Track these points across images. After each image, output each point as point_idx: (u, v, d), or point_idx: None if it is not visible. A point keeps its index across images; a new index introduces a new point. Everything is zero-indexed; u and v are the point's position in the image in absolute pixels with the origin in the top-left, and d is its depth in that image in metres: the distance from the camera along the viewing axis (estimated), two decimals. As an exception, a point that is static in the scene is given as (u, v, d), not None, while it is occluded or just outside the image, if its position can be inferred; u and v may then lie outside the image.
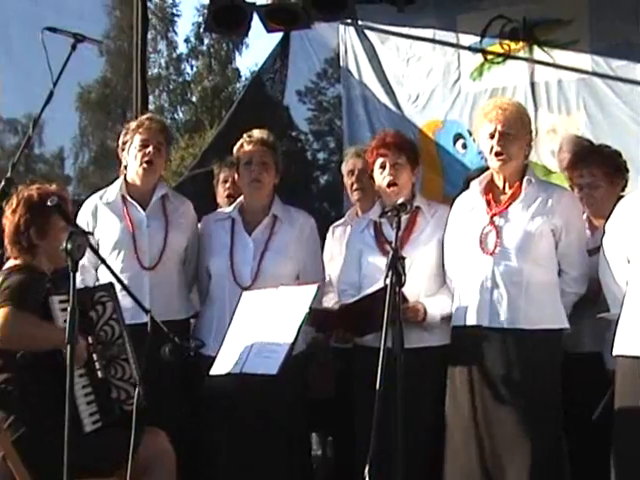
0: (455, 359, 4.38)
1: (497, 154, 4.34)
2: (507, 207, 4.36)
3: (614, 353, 4.03)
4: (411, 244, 4.52)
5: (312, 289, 3.97)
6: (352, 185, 5.41)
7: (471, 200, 4.49)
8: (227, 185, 5.60)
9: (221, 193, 5.68)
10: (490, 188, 4.46)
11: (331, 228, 5.56)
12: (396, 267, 3.80)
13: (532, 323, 4.25)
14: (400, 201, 4.16)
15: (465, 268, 4.39)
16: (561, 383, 4.28)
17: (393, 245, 3.91)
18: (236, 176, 4.90)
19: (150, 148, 4.78)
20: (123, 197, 4.85)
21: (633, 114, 6.72)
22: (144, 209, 4.82)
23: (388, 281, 3.79)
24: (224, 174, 5.64)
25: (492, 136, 4.35)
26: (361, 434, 4.23)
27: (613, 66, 6.86)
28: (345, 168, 5.53)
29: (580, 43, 6.93)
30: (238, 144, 4.86)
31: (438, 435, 4.38)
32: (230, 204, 5.15)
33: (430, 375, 4.43)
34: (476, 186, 4.48)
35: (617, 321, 4.06)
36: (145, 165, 4.78)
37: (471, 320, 4.32)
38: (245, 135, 4.87)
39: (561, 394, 4.27)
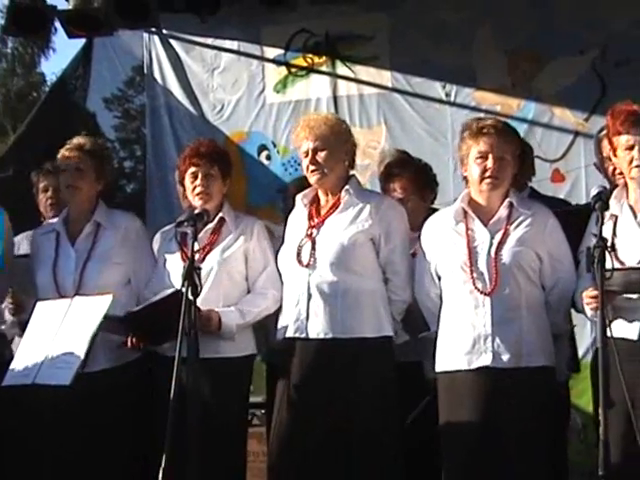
0: (280, 371, 4.41)
1: (312, 171, 4.40)
2: (325, 219, 4.41)
3: (436, 370, 4.17)
4: (213, 254, 4.52)
5: (107, 299, 3.95)
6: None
7: (297, 214, 4.54)
8: (49, 194, 5.53)
9: (43, 202, 5.59)
10: (315, 201, 4.52)
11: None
12: (192, 277, 3.82)
13: (350, 332, 4.27)
14: (197, 211, 4.19)
15: (285, 281, 4.45)
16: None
17: (189, 255, 3.94)
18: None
19: None
20: None
21: (430, 129, 6.98)
22: None
23: (184, 290, 3.80)
24: (43, 183, 5.57)
25: (307, 154, 4.41)
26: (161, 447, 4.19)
27: (412, 82, 7.10)
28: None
29: (381, 59, 7.15)
30: (60, 152, 4.81)
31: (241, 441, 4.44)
32: (53, 212, 5.14)
33: (231, 385, 4.42)
34: (300, 200, 4.53)
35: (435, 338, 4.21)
36: None
37: (290, 332, 4.35)
38: (67, 143, 4.82)
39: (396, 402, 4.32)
